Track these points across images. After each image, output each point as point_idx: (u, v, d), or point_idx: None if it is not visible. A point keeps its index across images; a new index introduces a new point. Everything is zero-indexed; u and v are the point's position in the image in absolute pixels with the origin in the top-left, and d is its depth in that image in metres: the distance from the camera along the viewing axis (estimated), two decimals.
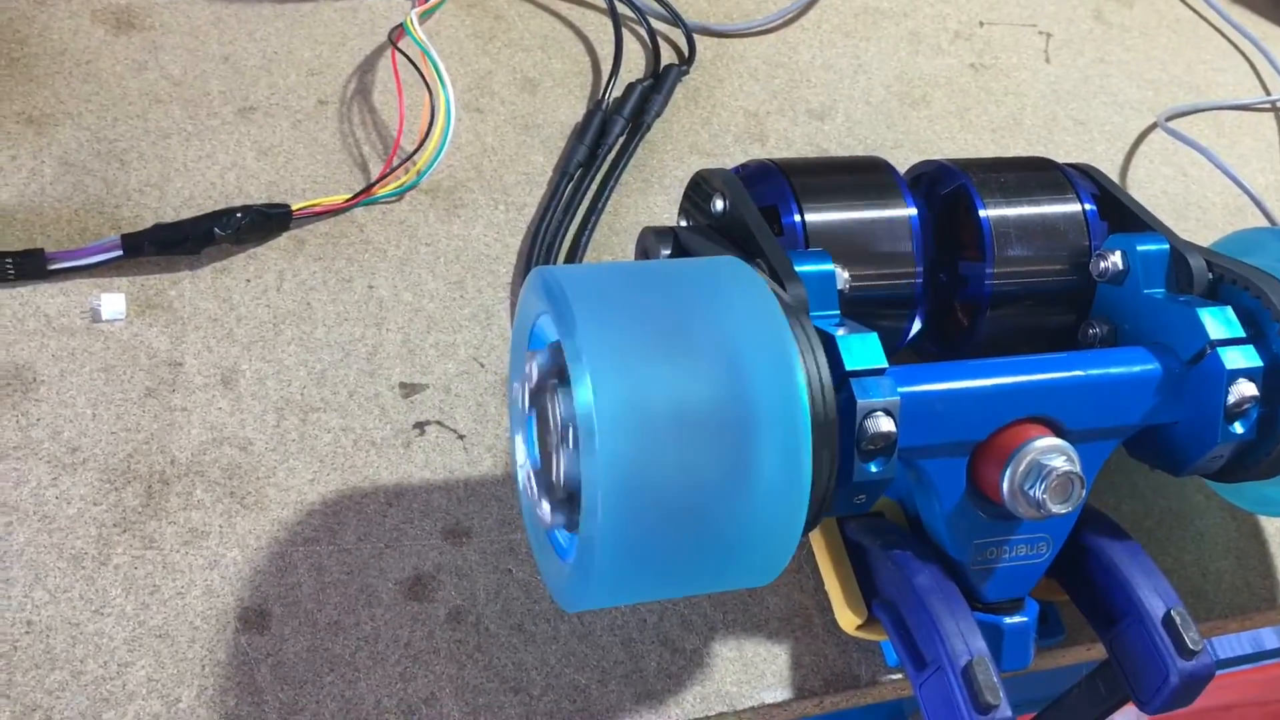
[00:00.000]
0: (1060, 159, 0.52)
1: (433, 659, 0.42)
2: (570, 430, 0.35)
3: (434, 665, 0.42)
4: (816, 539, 0.46)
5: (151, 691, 0.40)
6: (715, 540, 0.35)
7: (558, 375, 0.37)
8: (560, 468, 0.36)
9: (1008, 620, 0.43)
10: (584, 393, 0.33)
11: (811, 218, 0.45)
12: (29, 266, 0.47)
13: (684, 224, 0.48)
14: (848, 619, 0.44)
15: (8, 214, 0.49)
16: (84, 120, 0.53)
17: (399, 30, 0.58)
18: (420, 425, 0.48)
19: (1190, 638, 0.41)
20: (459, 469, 0.47)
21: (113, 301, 0.47)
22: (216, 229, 0.49)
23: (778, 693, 0.44)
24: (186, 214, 0.50)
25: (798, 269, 0.41)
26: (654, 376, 0.35)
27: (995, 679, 0.38)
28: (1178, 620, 0.41)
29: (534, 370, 0.37)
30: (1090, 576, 0.44)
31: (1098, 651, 0.48)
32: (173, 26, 0.57)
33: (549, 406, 0.37)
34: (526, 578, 0.44)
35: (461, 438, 0.48)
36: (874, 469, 0.38)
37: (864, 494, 0.39)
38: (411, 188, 0.54)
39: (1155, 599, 0.42)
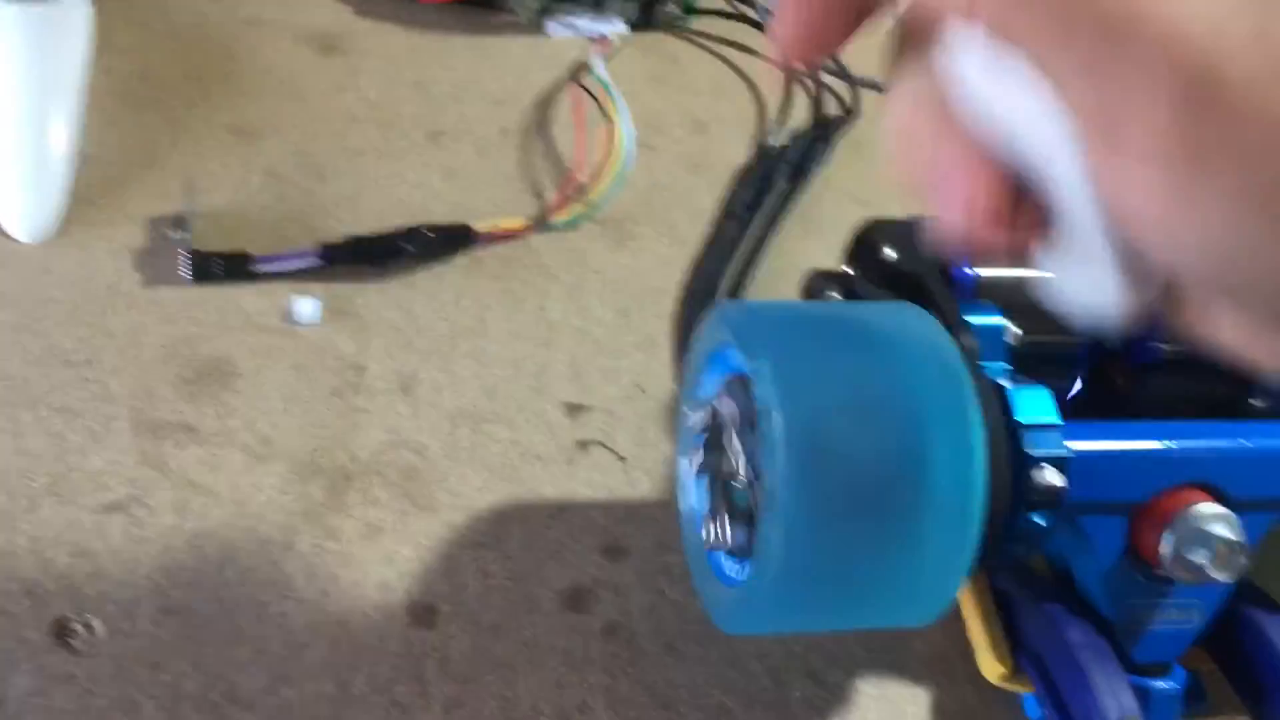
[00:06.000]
0: None
1: (588, 669, 0.44)
2: (752, 442, 0.36)
3: (589, 675, 0.44)
4: (964, 586, 0.46)
5: (326, 673, 0.42)
6: (883, 572, 0.36)
7: (739, 401, 0.38)
8: (739, 481, 0.37)
9: (1156, 684, 0.43)
10: (769, 407, 0.35)
11: (983, 271, 0.46)
12: (236, 267, 0.50)
13: (848, 270, 0.50)
14: (993, 668, 0.44)
15: (216, 217, 0.53)
16: (288, 135, 0.57)
17: (582, 68, 0.60)
18: (584, 444, 0.50)
19: None
20: (619, 489, 0.49)
21: (307, 305, 0.50)
22: (406, 245, 0.52)
23: None
24: (376, 228, 0.53)
25: (967, 320, 0.43)
26: (836, 401, 0.36)
27: None
28: None
29: (713, 398, 0.39)
30: (1241, 648, 0.44)
31: None
32: (371, 52, 0.61)
33: (729, 428, 0.38)
34: (680, 599, 0.46)
35: (622, 460, 0.49)
36: (1039, 520, 0.39)
37: (1025, 544, 0.40)
38: (585, 218, 0.57)
39: None
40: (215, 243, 0.52)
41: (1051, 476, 0.39)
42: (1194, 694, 0.46)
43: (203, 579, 0.43)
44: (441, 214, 0.55)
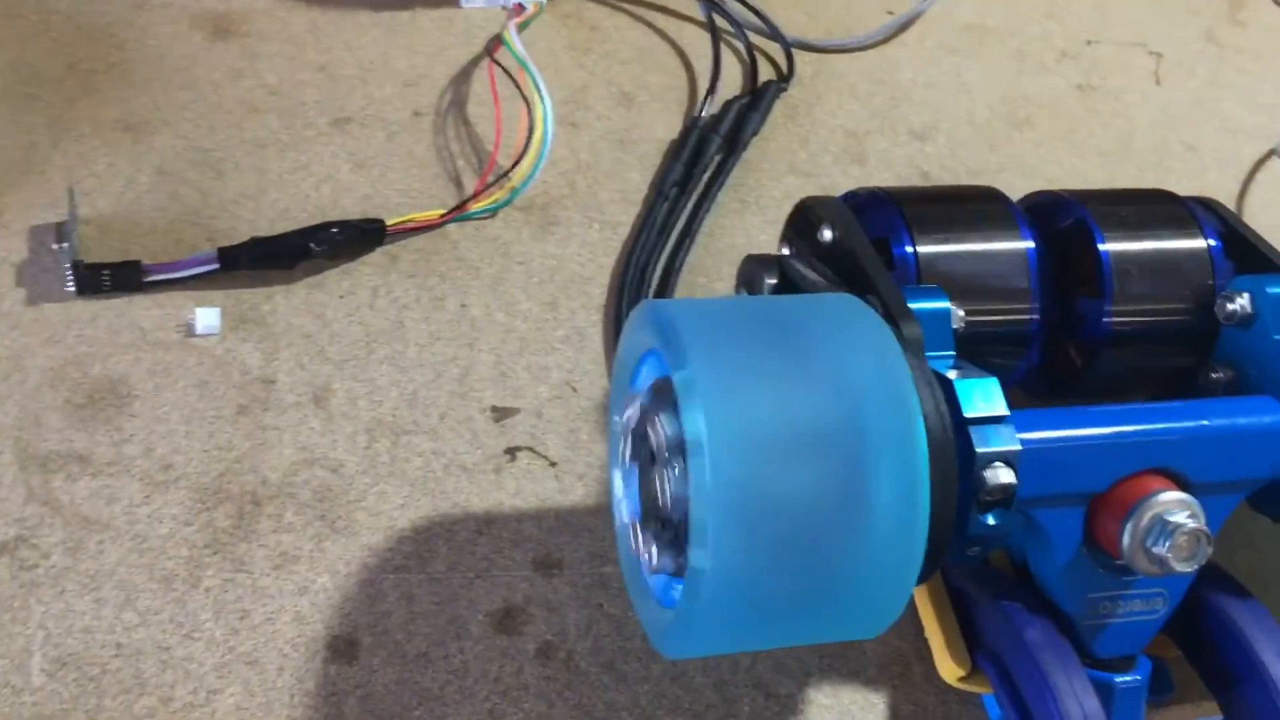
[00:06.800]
0: (1171, 186, 0.49)
1: (521, 696, 0.41)
2: (680, 462, 0.34)
3: (523, 702, 0.41)
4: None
5: None
6: (826, 585, 0.34)
7: (666, 412, 0.35)
8: (668, 500, 0.34)
9: (1119, 679, 0.41)
10: (696, 426, 0.32)
11: (924, 250, 0.44)
12: (125, 278, 0.47)
13: (786, 251, 0.47)
14: (950, 669, 0.42)
15: (104, 223, 0.49)
16: (181, 128, 0.53)
17: (496, 42, 0.57)
18: (511, 451, 0.47)
19: None
20: (550, 497, 0.46)
21: (207, 316, 0.47)
22: (312, 244, 0.48)
23: None
24: (281, 226, 0.50)
25: (912, 306, 0.40)
26: (768, 416, 0.33)
27: None
28: None
29: (640, 408, 0.36)
30: (1209, 636, 0.42)
31: (1208, 709, 0.46)
32: (270, 34, 0.57)
33: (657, 442, 0.35)
34: (618, 613, 0.43)
35: (553, 465, 0.47)
36: (991, 521, 0.37)
37: (979, 546, 0.38)
38: (506, 204, 0.53)
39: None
40: (103, 252, 0.48)
41: (1003, 474, 0.36)
42: (1160, 683, 0.45)
43: (100, 624, 0.40)
44: (351, 208, 0.52)
